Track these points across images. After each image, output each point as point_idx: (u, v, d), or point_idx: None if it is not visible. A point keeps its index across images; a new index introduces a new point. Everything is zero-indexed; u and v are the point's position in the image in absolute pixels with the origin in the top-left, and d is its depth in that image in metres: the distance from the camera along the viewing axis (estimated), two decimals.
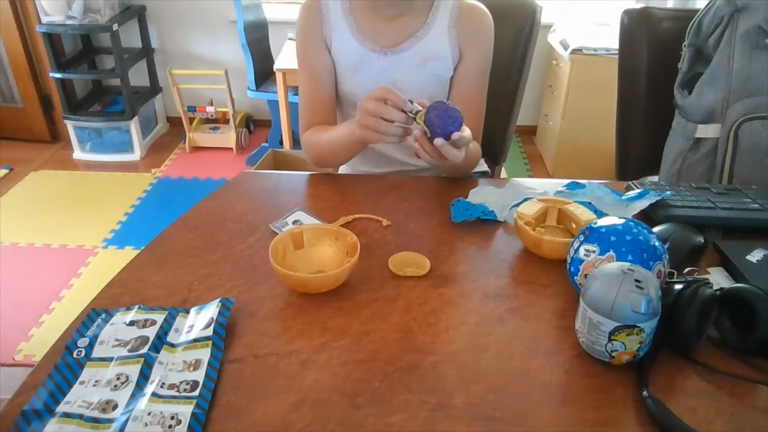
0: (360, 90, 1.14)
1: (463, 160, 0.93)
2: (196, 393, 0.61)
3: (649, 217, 0.94)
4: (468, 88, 1.15)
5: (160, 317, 0.71)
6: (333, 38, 1.12)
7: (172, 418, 0.58)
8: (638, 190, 0.98)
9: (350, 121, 1.00)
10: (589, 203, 0.94)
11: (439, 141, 0.86)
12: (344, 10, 1.12)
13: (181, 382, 0.63)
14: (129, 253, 2.37)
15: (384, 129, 0.88)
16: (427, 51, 1.11)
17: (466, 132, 0.89)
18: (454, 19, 1.11)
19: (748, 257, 0.84)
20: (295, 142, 2.93)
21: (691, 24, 1.23)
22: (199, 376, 0.63)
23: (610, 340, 0.64)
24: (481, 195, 1.01)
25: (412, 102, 0.88)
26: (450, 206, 0.97)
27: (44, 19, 2.80)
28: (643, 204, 0.95)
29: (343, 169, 1.35)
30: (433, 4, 1.12)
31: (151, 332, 0.69)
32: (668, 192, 0.97)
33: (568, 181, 1.04)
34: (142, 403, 0.59)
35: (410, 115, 0.88)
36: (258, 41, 2.91)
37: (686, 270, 0.81)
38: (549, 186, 1.03)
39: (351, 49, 1.12)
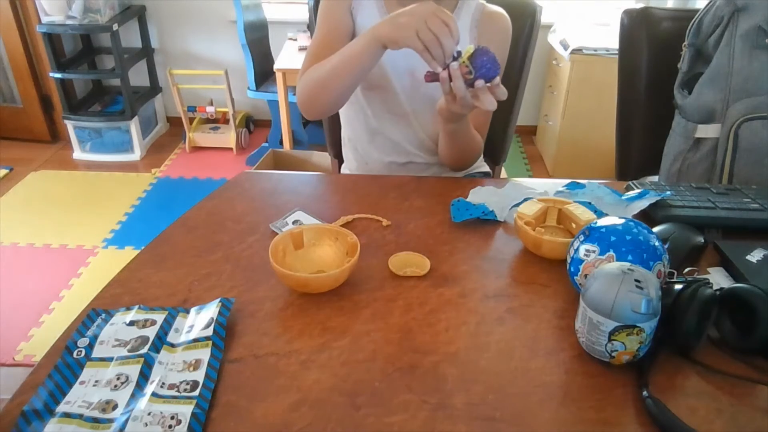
0: (380, 72, 1.13)
1: (466, 139, 1.01)
2: (196, 393, 0.61)
3: (649, 217, 0.94)
4: None
5: (160, 317, 0.71)
6: (359, 14, 1.12)
7: (172, 418, 0.58)
8: (638, 190, 0.98)
9: (366, 31, 0.97)
10: (589, 203, 0.94)
11: (480, 83, 0.87)
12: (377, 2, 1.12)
13: (181, 382, 0.63)
14: (129, 253, 2.37)
15: (434, 45, 0.87)
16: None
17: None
18: (475, 21, 1.12)
19: (748, 257, 0.84)
20: (296, 143, 2.93)
21: (691, 24, 1.23)
22: (199, 376, 0.63)
23: (610, 340, 0.64)
24: (481, 195, 1.01)
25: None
26: (450, 206, 0.97)
27: (44, 19, 2.80)
28: (643, 204, 0.95)
29: (345, 168, 1.35)
30: (457, 4, 1.13)
31: (151, 332, 0.69)
32: (668, 192, 0.97)
33: (568, 181, 1.04)
34: (142, 403, 0.59)
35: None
36: (258, 41, 2.91)
37: (686, 270, 0.81)
38: (549, 186, 1.03)
39: None
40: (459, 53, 0.89)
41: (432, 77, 0.91)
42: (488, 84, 0.88)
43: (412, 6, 0.91)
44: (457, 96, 0.89)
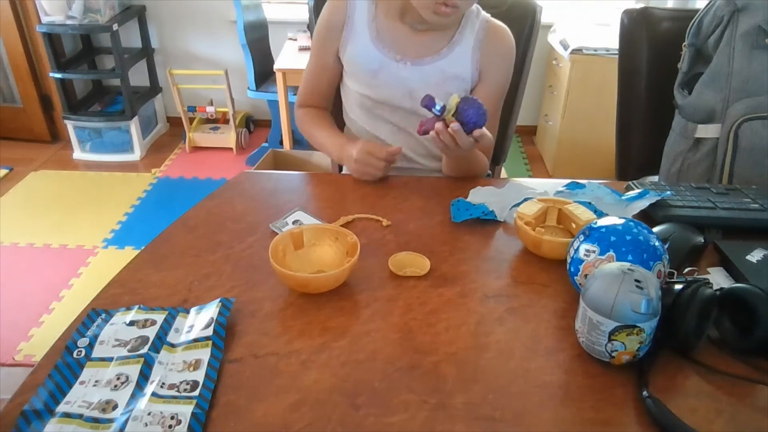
0: (376, 94, 1.16)
1: (469, 163, 1.06)
2: (196, 393, 0.61)
3: (649, 217, 0.94)
4: None
5: (160, 317, 0.71)
6: (350, 41, 1.13)
7: (172, 418, 0.58)
8: (638, 190, 0.98)
9: (343, 143, 1.11)
10: (589, 203, 0.94)
11: (455, 125, 0.91)
12: (369, 14, 1.12)
13: (181, 382, 0.63)
14: (129, 253, 2.37)
15: (373, 173, 1.06)
16: (449, 70, 1.12)
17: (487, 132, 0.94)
18: (479, 41, 1.11)
19: (748, 257, 0.84)
20: (295, 142, 2.93)
21: (691, 24, 1.23)
22: (199, 376, 0.63)
23: (610, 340, 0.64)
24: (481, 195, 1.01)
25: (434, 100, 0.92)
26: (450, 206, 0.97)
27: (44, 19, 2.80)
28: (643, 204, 0.95)
29: (345, 169, 1.35)
30: (461, 22, 1.12)
31: (151, 332, 0.69)
32: (668, 192, 0.97)
33: (568, 181, 1.04)
34: (142, 403, 0.59)
35: (434, 111, 0.92)
36: (258, 41, 2.91)
37: (686, 270, 0.81)
38: (549, 186, 1.03)
39: (369, 54, 1.12)
40: (443, 108, 0.91)
41: (425, 130, 0.95)
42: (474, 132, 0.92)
43: (357, 156, 1.05)
44: (446, 143, 0.94)
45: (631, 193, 0.97)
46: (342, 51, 1.14)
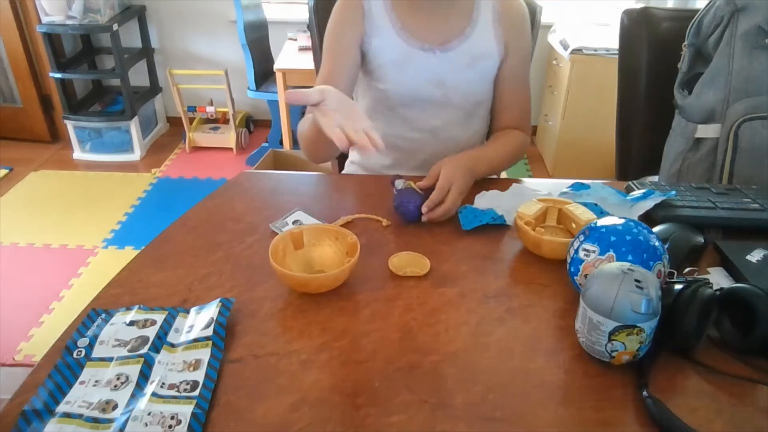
0: (406, 88, 1.11)
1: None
2: (196, 393, 0.61)
3: (649, 217, 0.94)
4: (514, 82, 1.16)
5: (160, 317, 0.71)
6: (374, 35, 1.08)
7: (172, 418, 0.58)
8: (642, 191, 0.98)
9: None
10: (595, 204, 0.93)
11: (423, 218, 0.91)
12: (386, 8, 1.09)
13: (181, 382, 0.63)
14: (129, 253, 2.37)
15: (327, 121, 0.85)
16: (476, 50, 1.10)
17: (439, 208, 0.91)
18: (497, 14, 1.11)
19: (748, 257, 0.84)
20: (295, 142, 2.93)
21: (691, 24, 1.23)
22: (199, 376, 0.63)
23: (610, 340, 0.64)
24: (487, 200, 1.00)
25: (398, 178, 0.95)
26: (457, 213, 0.96)
27: (44, 19, 2.80)
28: (648, 204, 0.94)
29: (350, 167, 1.34)
30: (474, 2, 1.11)
31: (151, 332, 0.69)
32: (672, 192, 0.97)
33: (572, 181, 1.04)
34: (142, 403, 0.59)
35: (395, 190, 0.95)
36: (258, 41, 2.91)
37: (686, 270, 0.81)
38: (553, 187, 1.03)
39: (395, 46, 1.08)
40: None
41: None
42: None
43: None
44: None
45: (636, 194, 0.97)
46: (367, 45, 1.09)
